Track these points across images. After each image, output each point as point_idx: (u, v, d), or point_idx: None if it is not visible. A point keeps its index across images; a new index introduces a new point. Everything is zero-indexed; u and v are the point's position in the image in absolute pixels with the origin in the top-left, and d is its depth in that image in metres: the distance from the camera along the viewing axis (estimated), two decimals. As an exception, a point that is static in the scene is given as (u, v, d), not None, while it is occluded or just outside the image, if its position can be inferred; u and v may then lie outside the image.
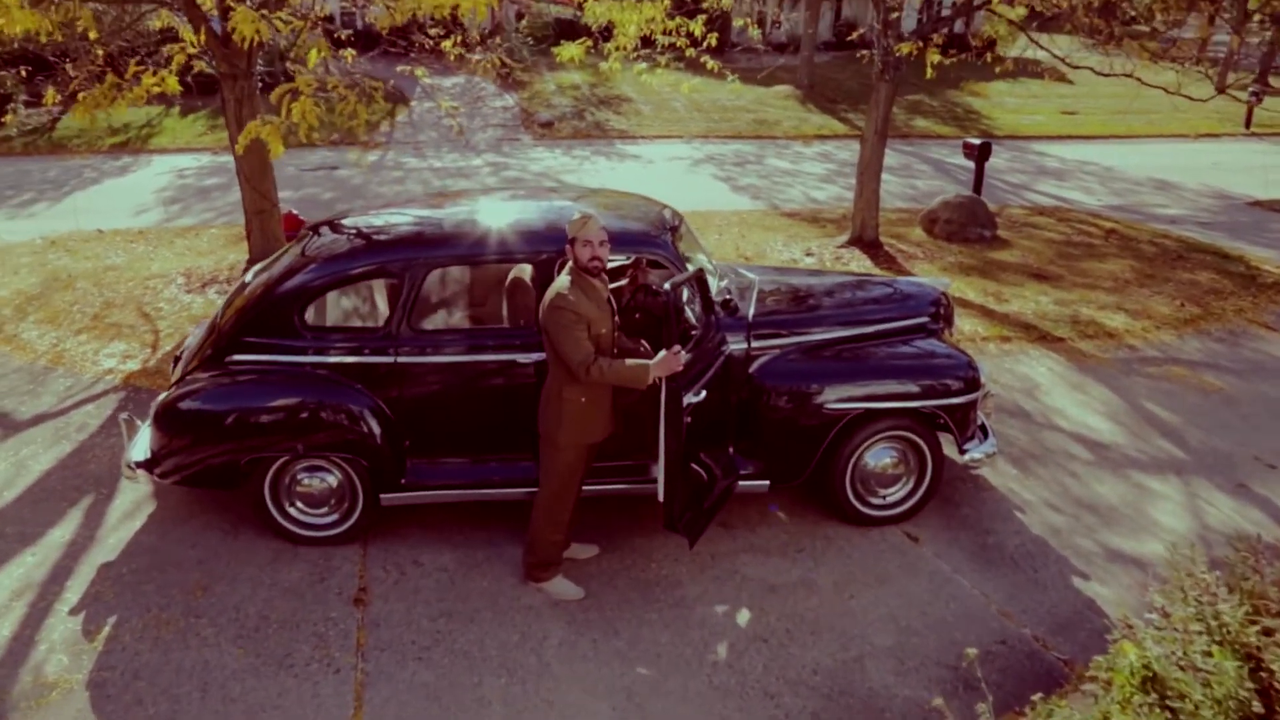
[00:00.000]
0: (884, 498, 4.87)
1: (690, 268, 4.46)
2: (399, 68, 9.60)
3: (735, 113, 22.90)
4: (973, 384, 4.76)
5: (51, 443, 5.76)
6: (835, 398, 4.60)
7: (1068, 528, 4.94)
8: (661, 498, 3.94)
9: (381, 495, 4.50)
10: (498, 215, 4.69)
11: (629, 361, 3.79)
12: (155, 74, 4.99)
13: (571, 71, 26.79)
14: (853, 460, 4.70)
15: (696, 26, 9.70)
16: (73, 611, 4.15)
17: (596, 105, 23.74)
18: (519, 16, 32.61)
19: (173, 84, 5.01)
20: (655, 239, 4.58)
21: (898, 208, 13.33)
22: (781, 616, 4.20)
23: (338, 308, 4.63)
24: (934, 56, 7.67)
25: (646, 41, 10.00)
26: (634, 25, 9.82)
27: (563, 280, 3.83)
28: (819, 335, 4.85)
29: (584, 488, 4.38)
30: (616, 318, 4.01)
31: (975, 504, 5.15)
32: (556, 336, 3.76)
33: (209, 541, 4.68)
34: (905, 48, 8.01)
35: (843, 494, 4.77)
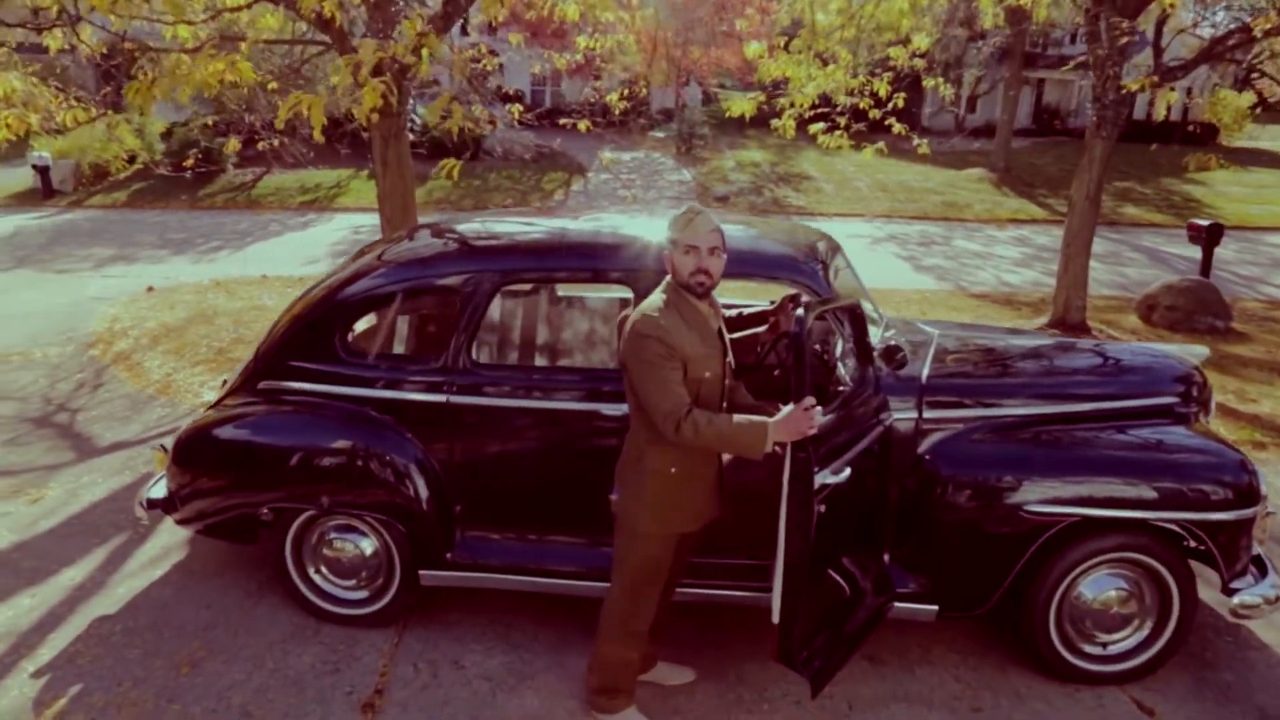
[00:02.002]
0: (1104, 646, 3.45)
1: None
2: (562, 120, 9.17)
3: (922, 194, 21.55)
4: (1247, 494, 3.30)
5: (115, 472, 5.23)
6: (1039, 498, 3.28)
7: (1392, 723, 3.33)
8: (776, 617, 2.75)
9: (421, 571, 3.53)
10: (599, 227, 3.74)
11: (738, 418, 2.66)
12: (226, 56, 4.47)
13: (752, 150, 26.38)
14: (1061, 589, 3.34)
15: (882, 86, 8.66)
16: (36, 674, 3.39)
17: (776, 182, 22.99)
18: (705, 100, 32.75)
19: (246, 70, 4.47)
20: (799, 265, 3.47)
21: (1105, 295, 11.61)
22: (945, 810, 2.87)
23: (388, 330, 3.80)
24: (1170, 97, 6.27)
25: (825, 101, 9.04)
26: (813, 84, 8.90)
27: (654, 299, 2.78)
28: (1015, 409, 3.55)
29: (679, 590, 3.27)
30: (730, 359, 2.91)
31: (1240, 669, 3.61)
32: (639, 376, 2.70)
33: (226, 604, 3.86)
34: (1134, 84, 6.62)
35: (1044, 635, 3.39)
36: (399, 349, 3.86)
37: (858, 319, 3.30)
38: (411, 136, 18.38)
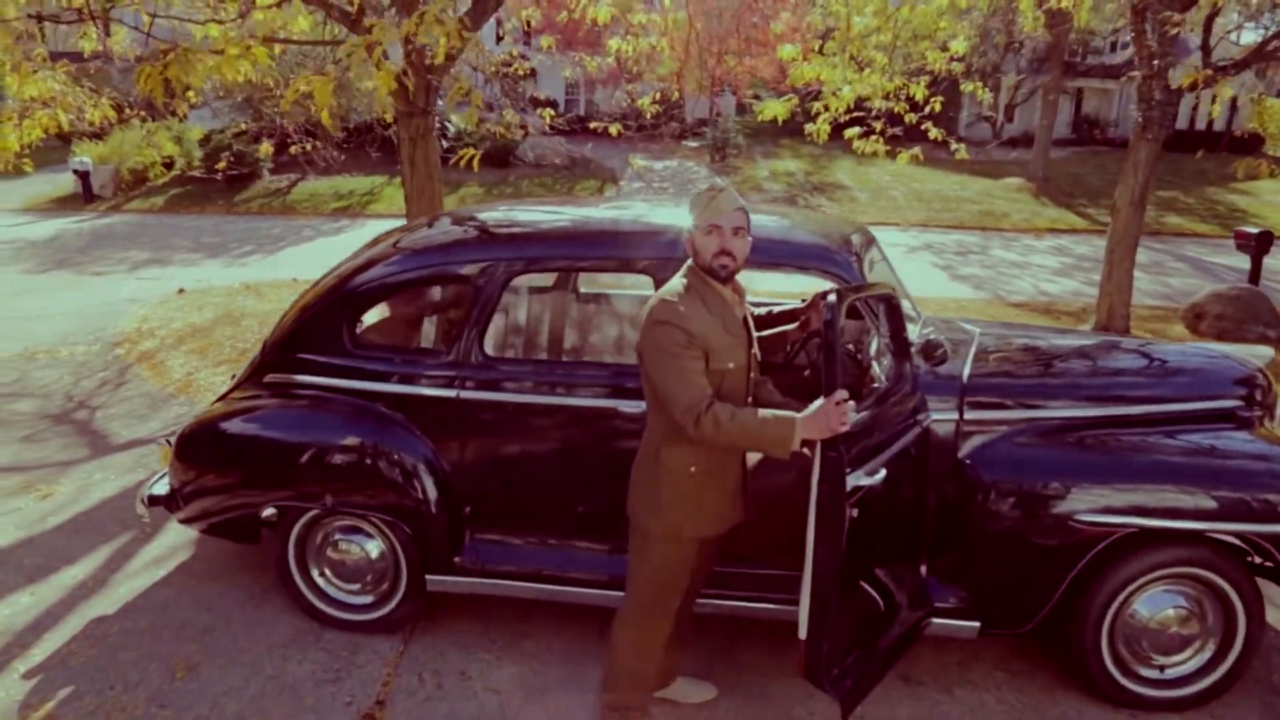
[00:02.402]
0: (1162, 669, 3.19)
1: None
2: (593, 124, 9.06)
3: (958, 203, 21.17)
4: (1320, 507, 3.03)
5: (127, 470, 5.13)
6: (1090, 506, 3.03)
7: None
8: (803, 632, 2.53)
9: (427, 576, 3.35)
10: (622, 214, 3.56)
11: (763, 413, 2.45)
12: (241, 42, 4.36)
13: (786, 159, 26.15)
14: (1115, 606, 3.08)
15: (919, 90, 8.42)
16: (28, 674, 3.26)
17: (810, 191, 22.73)
18: (740, 111, 32.58)
19: (261, 55, 4.34)
20: (832, 255, 3.26)
21: (1148, 305, 11.24)
22: (987, 845, 2.63)
23: (400, 321, 3.63)
24: (1226, 91, 5.97)
25: (860, 106, 8.83)
26: (849, 88, 8.68)
27: (674, 284, 2.59)
28: (1064, 411, 3.30)
29: (700, 600, 3.06)
30: (755, 349, 2.71)
31: (1311, 698, 3.33)
32: (656, 366, 2.50)
33: (227, 606, 3.71)
34: (1187, 78, 6.33)
35: (1096, 656, 3.14)
36: (411, 341, 3.70)
37: (893, 309, 3.08)
38: (445, 144, 18.35)
